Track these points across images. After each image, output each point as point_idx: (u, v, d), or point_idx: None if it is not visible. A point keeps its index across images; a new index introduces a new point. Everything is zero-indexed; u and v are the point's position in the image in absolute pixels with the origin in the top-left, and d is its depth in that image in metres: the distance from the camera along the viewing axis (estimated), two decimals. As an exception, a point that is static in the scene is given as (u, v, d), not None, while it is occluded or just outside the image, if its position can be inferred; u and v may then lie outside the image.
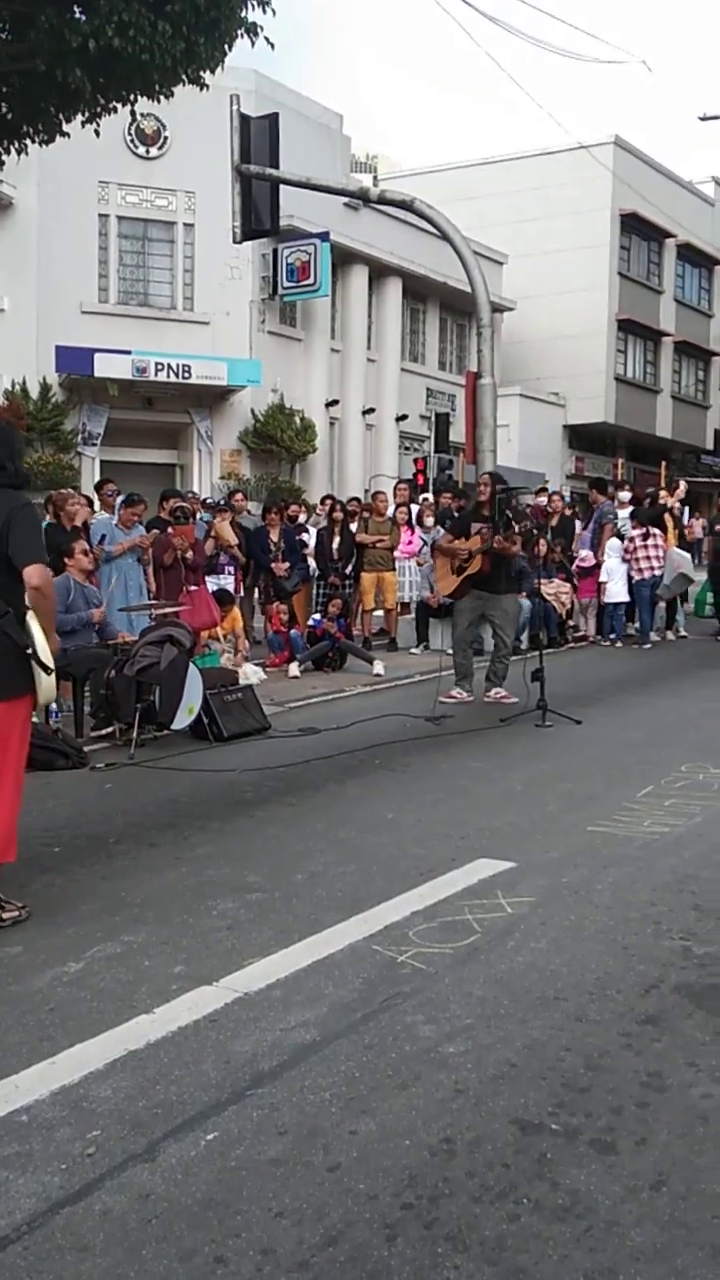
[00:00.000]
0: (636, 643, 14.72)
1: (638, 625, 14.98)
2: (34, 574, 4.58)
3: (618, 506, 15.97)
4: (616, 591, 14.82)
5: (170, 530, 10.94)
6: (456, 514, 13.19)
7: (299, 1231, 2.58)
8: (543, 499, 16.58)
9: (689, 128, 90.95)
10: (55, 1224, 2.63)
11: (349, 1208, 2.66)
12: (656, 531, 14.74)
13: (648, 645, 14.57)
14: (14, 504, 4.67)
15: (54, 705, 8.78)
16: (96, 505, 12.16)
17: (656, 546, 14.59)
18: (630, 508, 15.85)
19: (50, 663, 4.66)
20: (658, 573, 14.53)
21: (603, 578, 14.93)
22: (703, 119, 27.49)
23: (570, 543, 15.16)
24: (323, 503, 15.81)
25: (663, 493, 16.43)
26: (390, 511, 14.65)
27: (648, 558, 14.50)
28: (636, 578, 14.56)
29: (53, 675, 4.71)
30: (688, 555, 15.03)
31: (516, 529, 10.02)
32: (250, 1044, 3.50)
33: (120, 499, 11.35)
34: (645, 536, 14.62)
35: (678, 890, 4.94)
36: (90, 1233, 2.59)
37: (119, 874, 5.31)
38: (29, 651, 4.60)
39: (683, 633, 15.64)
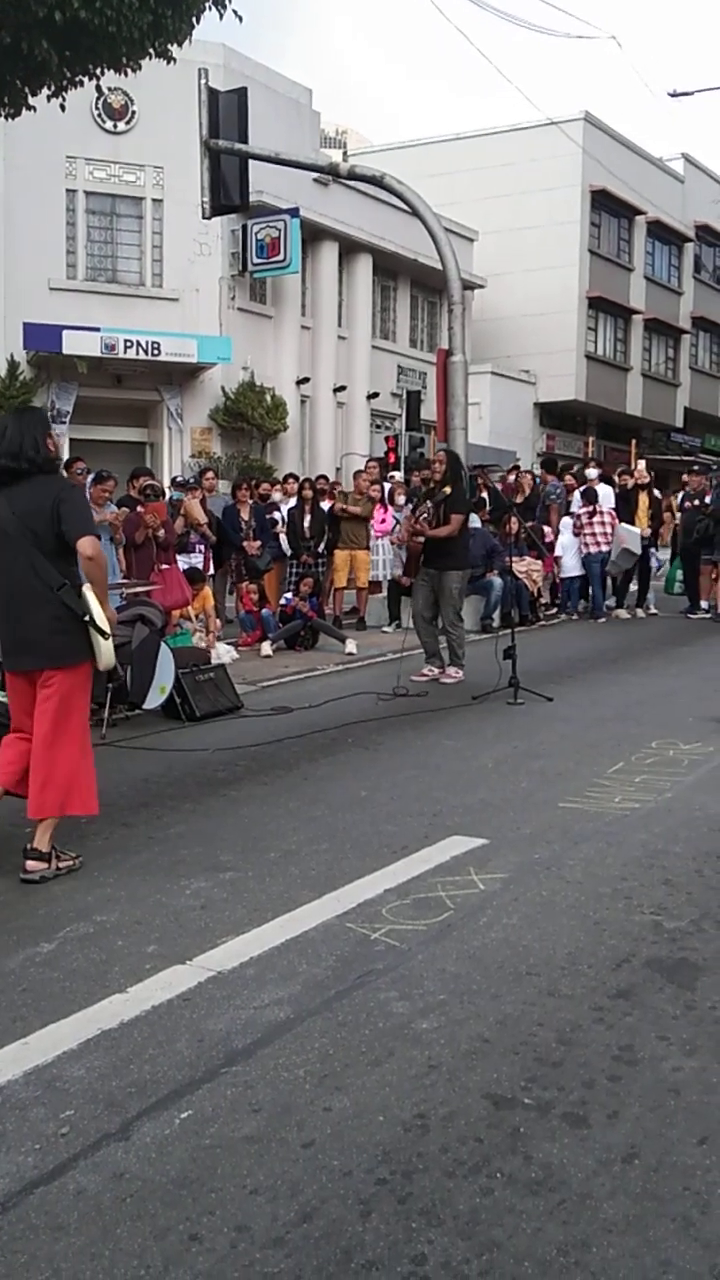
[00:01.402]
0: (592, 616, 15.30)
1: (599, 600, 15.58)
2: (87, 545, 4.96)
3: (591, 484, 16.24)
4: (569, 566, 15.52)
5: (141, 508, 10.87)
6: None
7: (273, 1208, 2.58)
8: (512, 477, 16.68)
9: (659, 104, 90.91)
10: (29, 1203, 2.62)
11: (323, 1184, 2.67)
12: (603, 509, 15.25)
13: (601, 619, 15.15)
14: (59, 487, 5.14)
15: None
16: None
17: (602, 523, 15.16)
18: (601, 485, 16.12)
19: (107, 629, 5.04)
20: (604, 548, 15.15)
21: (557, 552, 15.58)
22: (673, 95, 27.45)
23: (535, 520, 15.54)
24: (286, 481, 15.78)
25: (637, 471, 16.54)
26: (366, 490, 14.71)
27: (593, 534, 15.11)
28: (584, 552, 15.25)
29: (110, 640, 5.09)
30: (636, 530, 15.28)
31: (430, 507, 10.01)
32: (224, 1022, 3.50)
33: (90, 477, 11.27)
34: (591, 514, 15.19)
35: (648, 865, 4.97)
36: (64, 1212, 2.59)
37: (91, 854, 5.30)
38: (86, 619, 4.98)
39: (653, 610, 15.74)
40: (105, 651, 5.08)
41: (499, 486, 16.20)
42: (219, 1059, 3.27)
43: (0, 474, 5.05)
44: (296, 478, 15.42)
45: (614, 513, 15.24)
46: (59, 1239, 2.50)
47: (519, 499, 15.35)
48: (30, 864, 4.98)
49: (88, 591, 5.03)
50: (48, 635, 5.02)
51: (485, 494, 14.91)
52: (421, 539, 10.02)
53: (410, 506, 11.16)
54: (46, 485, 5.07)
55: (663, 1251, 2.43)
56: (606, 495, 15.72)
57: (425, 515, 10.02)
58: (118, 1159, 2.79)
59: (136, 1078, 3.18)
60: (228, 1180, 2.69)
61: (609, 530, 15.09)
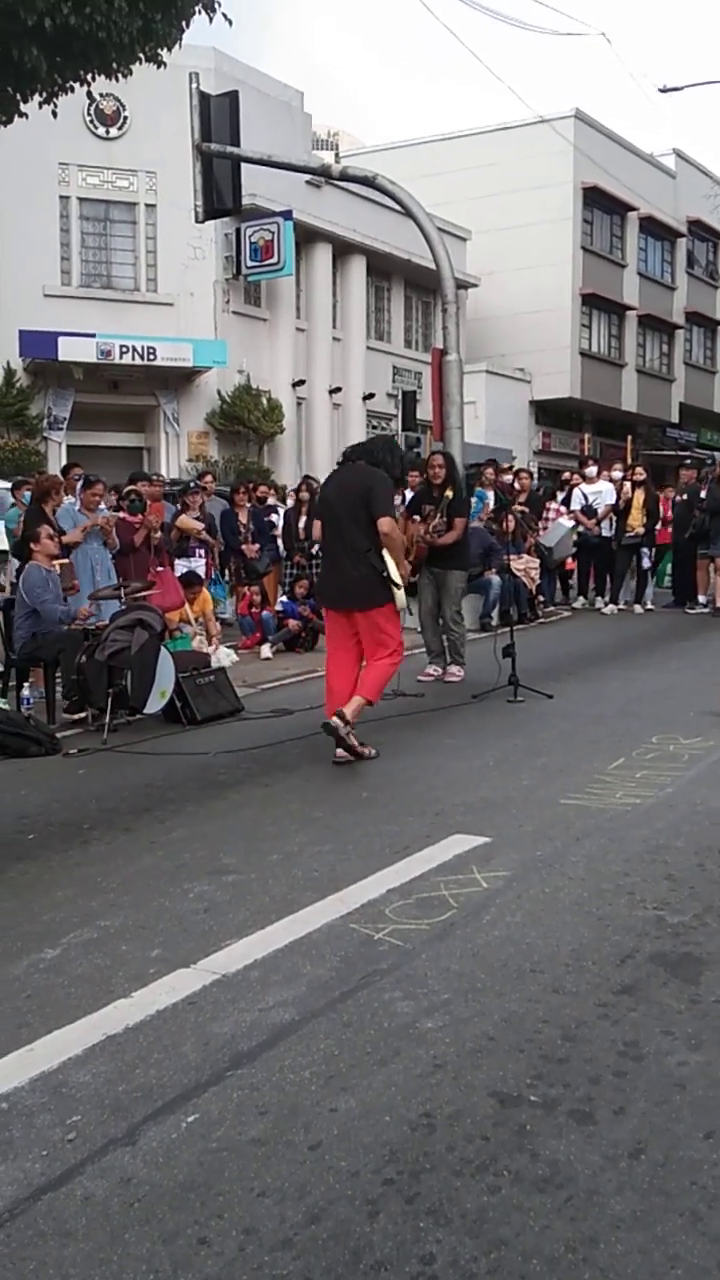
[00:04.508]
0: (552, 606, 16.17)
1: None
2: (384, 524, 6.84)
3: (585, 482, 16.32)
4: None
5: (123, 515, 10.87)
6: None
7: (281, 1210, 2.58)
8: (509, 478, 16.71)
9: (650, 100, 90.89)
10: (37, 1210, 2.62)
11: (330, 1185, 2.67)
12: (550, 505, 16.12)
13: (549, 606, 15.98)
14: (373, 477, 6.96)
15: (25, 691, 8.76)
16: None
17: (545, 518, 15.86)
18: (598, 483, 16.15)
19: (399, 581, 6.90)
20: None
21: None
22: (663, 91, 27.34)
23: (537, 518, 15.73)
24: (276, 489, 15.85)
25: (638, 469, 16.52)
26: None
27: (534, 528, 15.84)
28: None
29: (402, 590, 6.98)
30: (568, 524, 15.65)
31: (435, 523, 9.95)
32: (229, 1025, 3.50)
33: (80, 483, 11.27)
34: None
35: (650, 861, 4.97)
36: (72, 1218, 2.59)
37: (94, 859, 5.30)
38: (384, 575, 6.80)
39: (650, 605, 15.74)
40: (400, 598, 6.96)
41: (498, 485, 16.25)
42: (224, 1062, 3.27)
43: (348, 453, 7.29)
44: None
45: (560, 508, 15.83)
46: (67, 1245, 2.50)
47: (522, 497, 15.42)
48: (334, 720, 6.84)
49: (386, 555, 6.77)
50: (359, 586, 6.89)
51: (492, 492, 14.89)
52: (428, 540, 9.97)
53: (404, 508, 11.09)
54: (364, 473, 6.96)
55: (671, 1247, 2.43)
56: (608, 493, 15.72)
57: (435, 525, 9.95)
58: (125, 1164, 2.79)
59: (142, 1082, 3.18)
60: (235, 1183, 2.69)
61: (549, 525, 15.67)
